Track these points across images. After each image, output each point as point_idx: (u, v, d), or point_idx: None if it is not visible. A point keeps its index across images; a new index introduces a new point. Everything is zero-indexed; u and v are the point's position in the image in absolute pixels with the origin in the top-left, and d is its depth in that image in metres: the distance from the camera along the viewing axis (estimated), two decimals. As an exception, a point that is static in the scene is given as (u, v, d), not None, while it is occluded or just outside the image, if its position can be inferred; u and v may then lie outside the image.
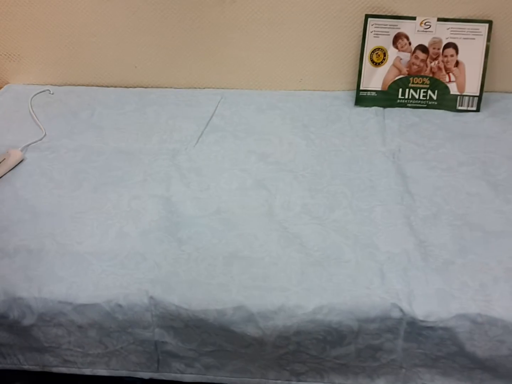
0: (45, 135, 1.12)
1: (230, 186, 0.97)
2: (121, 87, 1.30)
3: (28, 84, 1.32)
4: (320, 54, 1.22)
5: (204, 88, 1.28)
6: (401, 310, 0.73)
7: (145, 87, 1.29)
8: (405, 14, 1.13)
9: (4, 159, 1.02)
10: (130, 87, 1.29)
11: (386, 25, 1.14)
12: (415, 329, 0.73)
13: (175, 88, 1.28)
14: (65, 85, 1.31)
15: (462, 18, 1.13)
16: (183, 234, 0.87)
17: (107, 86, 1.30)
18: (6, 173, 1.01)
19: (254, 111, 1.18)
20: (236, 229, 0.87)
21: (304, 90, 1.25)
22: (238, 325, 0.75)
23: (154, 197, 0.94)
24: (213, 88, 1.28)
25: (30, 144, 1.09)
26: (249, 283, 0.78)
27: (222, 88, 1.28)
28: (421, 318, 0.72)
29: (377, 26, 1.14)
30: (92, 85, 1.30)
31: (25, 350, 0.83)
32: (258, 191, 0.95)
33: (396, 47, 1.15)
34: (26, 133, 1.13)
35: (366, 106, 1.17)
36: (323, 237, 0.85)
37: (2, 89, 1.29)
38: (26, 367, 0.85)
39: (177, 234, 0.86)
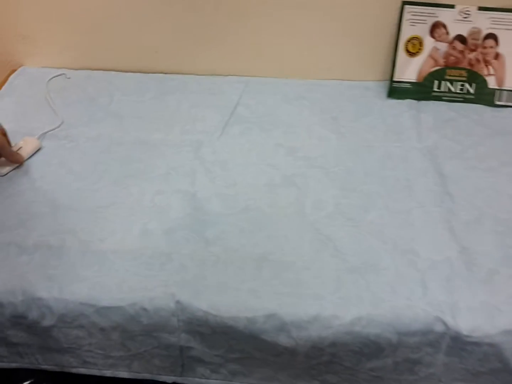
0: (62, 122, 1.07)
1: (257, 182, 0.92)
2: (140, 72, 1.24)
3: (44, 67, 1.26)
4: (350, 42, 1.15)
5: (227, 75, 1.22)
6: (445, 324, 0.68)
7: (165, 73, 1.23)
8: (443, 2, 1.07)
9: (21, 147, 0.97)
10: (150, 72, 1.24)
11: (424, 13, 1.07)
12: (458, 344, 0.69)
13: (196, 74, 1.22)
14: (81, 69, 1.25)
15: (505, 7, 1.06)
16: (210, 233, 0.82)
17: (126, 71, 1.24)
18: (25, 161, 0.97)
19: (280, 101, 1.13)
20: (265, 229, 0.83)
21: (333, 79, 1.19)
22: (269, 334, 0.71)
23: (178, 192, 0.89)
24: (237, 75, 1.22)
25: (47, 132, 1.04)
26: (281, 290, 0.74)
27: (246, 76, 1.21)
28: (465, 333, 0.68)
29: (414, 14, 1.07)
30: (110, 70, 1.25)
31: (44, 350, 0.80)
32: (287, 188, 0.91)
33: (433, 37, 1.08)
34: (42, 119, 1.08)
35: (399, 98, 1.11)
36: (358, 241, 0.80)
37: (16, 71, 1.24)
38: (44, 367, 0.82)
39: (203, 233, 0.82)
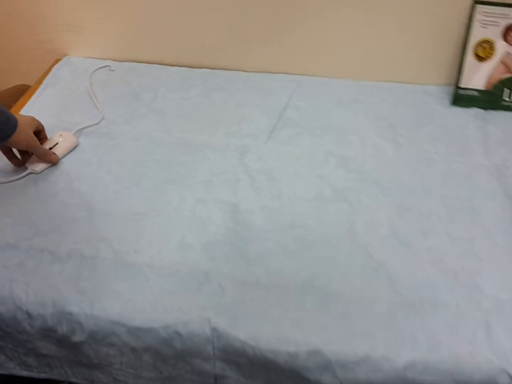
0: (103, 118, 1.03)
1: (305, 195, 0.85)
2: (186, 66, 1.18)
3: (88, 57, 1.22)
4: (413, 41, 1.06)
5: (276, 73, 1.15)
6: (511, 378, 0.61)
7: (212, 69, 1.17)
8: (521, 2, 0.96)
9: (57, 144, 0.93)
10: (196, 67, 1.18)
11: (497, 14, 0.97)
12: (527, 402, 0.61)
13: (244, 71, 1.16)
14: (126, 61, 1.20)
15: None
16: (252, 251, 0.76)
17: (171, 65, 1.18)
18: (61, 159, 0.93)
19: (333, 104, 1.05)
20: (312, 250, 0.76)
21: (391, 81, 1.10)
22: (311, 372, 0.65)
23: (220, 202, 0.84)
24: (287, 73, 1.14)
25: (87, 127, 1.00)
26: (327, 323, 0.67)
27: (297, 74, 1.14)
28: (536, 391, 0.60)
29: (486, 14, 0.97)
30: (155, 63, 1.19)
31: (74, 364, 0.77)
32: (338, 204, 0.83)
33: (506, 41, 0.98)
34: (83, 114, 1.04)
35: (464, 106, 1.02)
36: (415, 270, 0.73)
37: (61, 61, 1.21)
38: (73, 380, 0.79)
39: (245, 250, 0.76)
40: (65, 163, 0.93)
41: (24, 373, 0.79)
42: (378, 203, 0.83)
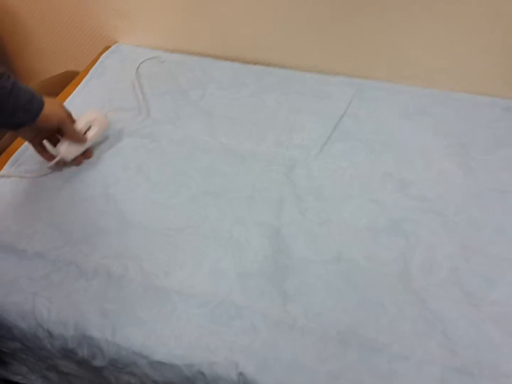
0: (147, 116, 0.97)
1: (356, 222, 0.76)
2: (238, 61, 1.10)
3: (138, 45, 1.16)
4: (494, 47, 0.93)
5: (335, 74, 1.05)
6: None
7: (266, 65, 1.09)
8: None
9: (90, 127, 0.86)
10: (249, 63, 1.10)
11: None
12: None
13: (301, 71, 1.06)
14: (177, 52, 1.14)
15: None
16: (290, 285, 0.69)
17: (223, 59, 1.11)
18: (94, 145, 0.88)
19: (397, 115, 0.94)
20: (358, 290, 0.68)
21: (465, 92, 0.98)
22: None
23: (261, 225, 0.76)
24: (347, 75, 1.04)
25: (129, 125, 0.94)
26: (368, 381, 0.59)
27: (358, 78, 1.03)
28: None
29: None
30: (207, 56, 1.12)
31: (95, 385, 0.73)
32: (392, 236, 0.74)
33: None
34: (127, 109, 0.98)
35: (550, 128, 0.88)
36: (476, 328, 0.63)
37: (110, 49, 1.16)
38: (94, 399, 0.75)
39: (283, 284, 0.69)
40: (103, 164, 0.88)
41: (46, 386, 0.77)
42: (439, 240, 0.73)
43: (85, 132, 0.85)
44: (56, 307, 0.68)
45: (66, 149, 0.83)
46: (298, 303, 0.67)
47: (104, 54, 1.13)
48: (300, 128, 0.93)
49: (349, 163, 0.86)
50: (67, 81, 1.12)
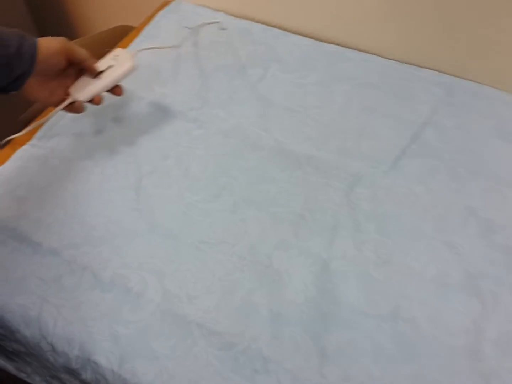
0: (196, 94, 0.85)
1: (423, 269, 0.63)
2: (311, 37, 0.95)
3: (199, 5, 1.02)
4: None
5: (423, 67, 0.88)
6: None
7: (342, 46, 0.93)
8: None
9: (111, 66, 0.71)
10: (323, 40, 0.94)
11: None
12: None
13: (382, 57, 0.90)
14: (242, 17, 0.99)
15: None
16: (332, 340, 0.58)
17: (294, 32, 0.95)
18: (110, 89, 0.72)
19: (492, 132, 0.78)
20: (414, 361, 0.56)
21: None
22: None
23: (307, 254, 0.65)
24: (436, 70, 0.87)
25: (174, 104, 0.83)
26: None
27: (450, 75, 0.86)
28: None
29: None
30: (275, 26, 0.97)
31: (100, 402, 0.65)
32: (465, 296, 0.61)
33: None
34: (176, 84, 0.87)
35: None
36: None
37: (168, 6, 1.03)
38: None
39: (323, 337, 0.58)
40: (140, 148, 0.77)
41: (51, 388, 0.70)
42: (524, 310, 0.59)
43: (105, 71, 0.71)
44: (63, 319, 0.60)
45: (77, 88, 0.69)
46: (337, 367, 0.56)
47: (160, 13, 1.00)
48: (371, 134, 0.78)
49: (425, 188, 0.71)
50: (118, 36, 1.01)
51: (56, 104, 0.69)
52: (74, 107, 0.69)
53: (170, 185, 0.73)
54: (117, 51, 0.74)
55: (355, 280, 0.62)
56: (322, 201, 0.70)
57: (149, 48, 0.79)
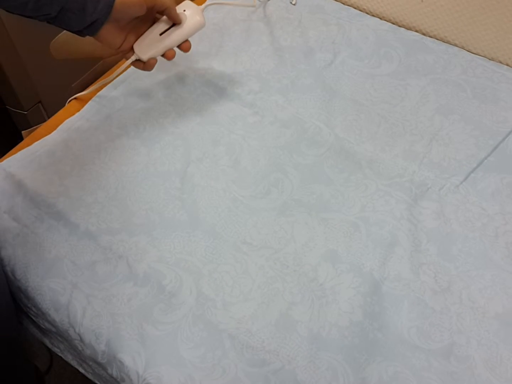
0: (257, 76, 0.79)
1: (488, 303, 0.56)
2: (391, 22, 0.86)
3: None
4: None
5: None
6: None
7: (423, 34, 0.84)
8: None
9: (174, 25, 0.66)
10: (403, 26, 0.85)
11: None
12: None
13: (468, 51, 0.80)
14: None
15: None
16: (374, 373, 0.53)
17: (371, 14, 0.87)
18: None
19: None
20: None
21: None
22: None
23: (357, 270, 0.59)
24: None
25: (232, 84, 0.77)
26: None
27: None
28: None
29: None
30: (351, 5, 0.89)
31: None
32: (534, 343, 0.53)
33: None
34: (237, 62, 0.81)
35: None
36: None
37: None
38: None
39: (363, 368, 0.53)
40: (191, 132, 0.72)
41: (81, 369, 0.69)
42: None
43: (169, 29, 0.65)
44: (92, 310, 0.58)
45: (142, 45, 0.65)
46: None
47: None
48: (444, 139, 0.70)
49: (500, 210, 0.63)
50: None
51: (126, 51, 0.66)
52: (144, 65, 0.66)
53: (217, 176, 0.68)
54: (186, 4, 0.68)
55: (408, 307, 0.56)
56: (380, 212, 0.63)
57: (219, 3, 0.71)
